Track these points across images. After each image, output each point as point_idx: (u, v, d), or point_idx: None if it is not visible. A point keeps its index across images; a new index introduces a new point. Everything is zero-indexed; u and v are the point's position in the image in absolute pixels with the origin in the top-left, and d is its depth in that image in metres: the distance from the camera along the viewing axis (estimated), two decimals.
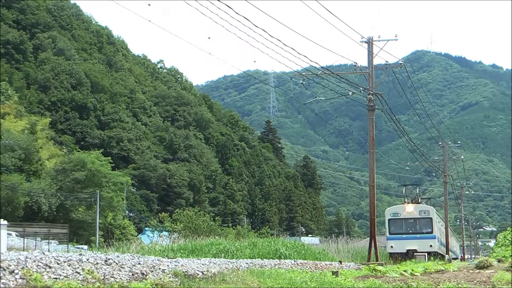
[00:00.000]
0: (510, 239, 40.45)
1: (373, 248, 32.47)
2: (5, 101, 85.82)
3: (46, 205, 68.89)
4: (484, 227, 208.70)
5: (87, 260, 11.24)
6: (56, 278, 9.82)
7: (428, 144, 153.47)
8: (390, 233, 46.37)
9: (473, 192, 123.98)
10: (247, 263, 18.21)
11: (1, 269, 9.23)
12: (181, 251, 28.98)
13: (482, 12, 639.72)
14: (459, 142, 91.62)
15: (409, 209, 45.74)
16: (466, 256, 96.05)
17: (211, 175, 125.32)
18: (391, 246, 45.34)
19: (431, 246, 44.71)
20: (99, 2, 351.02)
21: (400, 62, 36.85)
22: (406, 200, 48.87)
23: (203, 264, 14.98)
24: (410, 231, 45.49)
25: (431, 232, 45.56)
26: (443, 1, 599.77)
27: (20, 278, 9.24)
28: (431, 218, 45.88)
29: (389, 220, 46.94)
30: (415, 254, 44.17)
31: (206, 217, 56.04)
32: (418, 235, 45.07)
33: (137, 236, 76.76)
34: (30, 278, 9.30)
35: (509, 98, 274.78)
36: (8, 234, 51.71)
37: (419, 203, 48.59)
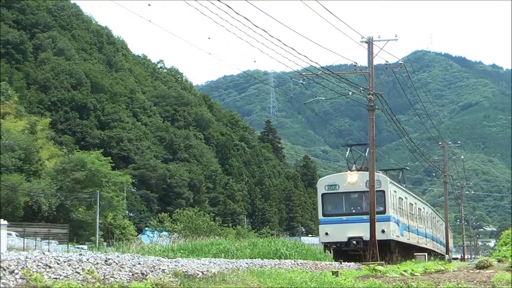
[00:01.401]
0: (511, 238, 40.43)
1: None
2: (5, 101, 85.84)
3: (46, 205, 68.95)
4: (484, 227, 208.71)
5: (87, 260, 11.24)
6: (56, 278, 9.82)
7: (428, 144, 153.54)
8: (324, 214, 33.74)
9: (473, 192, 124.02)
10: (247, 263, 18.22)
11: (1, 269, 9.23)
12: (181, 251, 29.00)
13: (482, 12, 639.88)
14: (459, 142, 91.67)
15: (352, 179, 33.32)
16: (466, 256, 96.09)
17: (211, 175, 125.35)
18: (326, 233, 33.14)
19: (383, 231, 32.51)
20: (99, 2, 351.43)
21: (400, 62, 36.86)
22: (352, 167, 35.79)
23: (203, 264, 14.99)
24: (354, 211, 33.35)
25: (384, 212, 33.13)
26: (443, 1, 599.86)
27: (20, 278, 9.24)
28: (383, 192, 33.28)
29: (323, 195, 34.14)
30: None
31: (206, 217, 56.05)
32: (364, 217, 32.30)
33: (137, 236, 76.80)
34: (30, 278, 9.30)
35: (509, 98, 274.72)
36: (8, 234, 51.79)
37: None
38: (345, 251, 32.74)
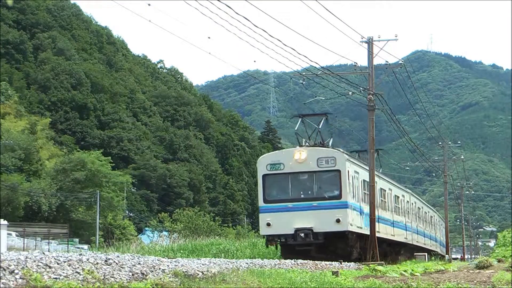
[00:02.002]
0: (510, 239, 40.39)
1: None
2: (5, 101, 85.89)
3: (46, 205, 68.99)
4: (484, 227, 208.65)
5: (87, 260, 11.24)
6: (56, 278, 9.82)
7: (428, 144, 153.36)
8: (265, 200, 27.91)
9: (473, 192, 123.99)
10: (247, 263, 18.22)
11: (1, 269, 9.23)
12: (181, 251, 29.06)
13: (482, 12, 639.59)
14: (459, 142, 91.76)
15: (300, 156, 27.40)
16: (466, 256, 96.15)
17: (211, 175, 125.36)
18: (267, 224, 27.33)
19: (338, 221, 26.86)
20: (99, 2, 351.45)
21: (400, 62, 36.92)
22: (302, 142, 29.80)
23: (203, 264, 14.99)
24: (302, 196, 27.65)
25: (339, 197, 27.48)
26: (443, 1, 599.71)
27: (20, 278, 9.24)
28: (338, 172, 27.45)
29: (264, 176, 28.03)
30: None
31: (206, 217, 56.15)
32: (315, 203, 27.29)
33: (137, 236, 76.89)
34: (30, 278, 9.30)
35: (509, 98, 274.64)
36: (8, 234, 51.81)
37: (325, 146, 29.36)
38: (292, 246, 27.23)
